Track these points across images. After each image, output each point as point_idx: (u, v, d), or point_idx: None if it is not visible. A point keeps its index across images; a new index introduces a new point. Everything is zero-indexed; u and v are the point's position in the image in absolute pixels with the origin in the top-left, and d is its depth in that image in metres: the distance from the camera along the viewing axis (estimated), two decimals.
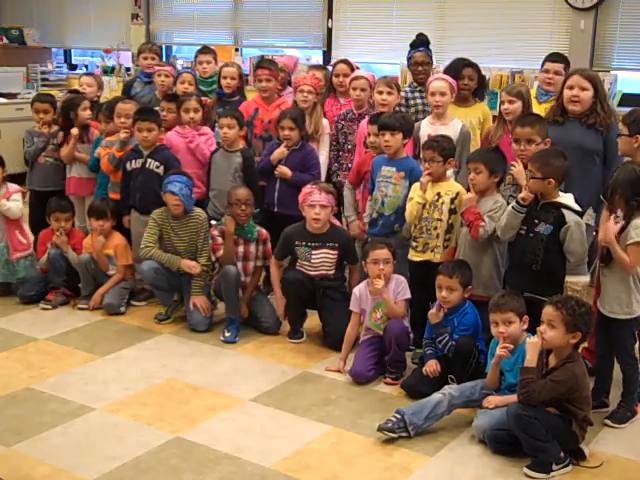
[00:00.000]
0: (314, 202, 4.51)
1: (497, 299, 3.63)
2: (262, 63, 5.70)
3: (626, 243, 3.56)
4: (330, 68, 6.14)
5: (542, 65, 5.23)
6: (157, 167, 5.04)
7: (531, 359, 3.37)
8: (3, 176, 5.25)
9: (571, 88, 4.34)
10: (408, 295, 4.19)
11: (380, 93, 5.04)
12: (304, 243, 4.58)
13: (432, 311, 3.98)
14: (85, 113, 5.53)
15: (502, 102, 4.63)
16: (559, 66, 5.14)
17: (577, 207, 3.81)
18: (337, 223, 4.86)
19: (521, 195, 3.80)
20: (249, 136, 5.32)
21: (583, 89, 4.31)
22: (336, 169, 5.44)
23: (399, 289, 4.19)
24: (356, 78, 5.31)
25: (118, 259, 5.14)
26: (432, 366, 3.93)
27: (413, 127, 4.67)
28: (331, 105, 5.65)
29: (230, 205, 4.75)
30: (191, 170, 5.09)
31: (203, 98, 5.54)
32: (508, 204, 3.97)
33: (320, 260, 4.57)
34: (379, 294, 4.12)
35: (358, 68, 5.74)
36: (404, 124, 4.52)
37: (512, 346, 3.55)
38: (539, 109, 4.89)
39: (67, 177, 5.61)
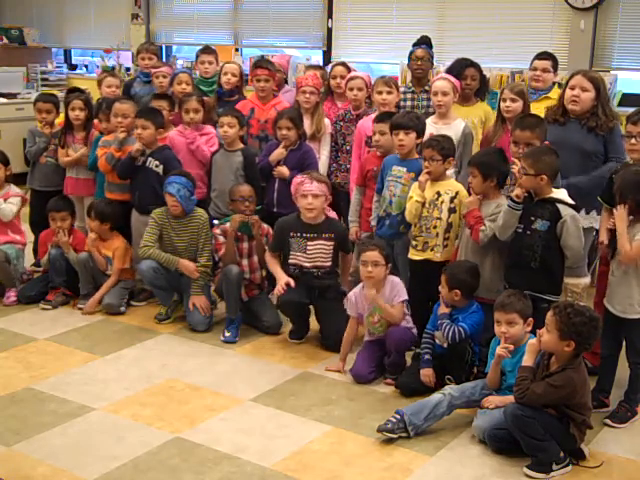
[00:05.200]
0: (306, 191, 4.49)
1: (503, 298, 3.62)
2: (261, 63, 5.71)
3: (635, 238, 3.56)
4: (328, 68, 6.15)
5: (530, 64, 5.27)
6: (157, 166, 5.04)
7: (528, 359, 3.38)
8: (7, 174, 5.26)
9: (572, 88, 4.34)
10: (404, 297, 4.14)
11: (379, 93, 5.04)
12: (299, 234, 4.55)
13: (441, 307, 3.96)
14: (72, 113, 5.52)
15: (504, 99, 4.62)
16: (546, 63, 5.20)
17: (571, 201, 3.81)
18: (333, 215, 4.79)
19: (514, 192, 3.79)
20: (245, 136, 5.32)
21: (584, 90, 4.31)
22: (334, 169, 5.45)
23: (394, 292, 4.14)
24: (352, 78, 5.32)
25: (115, 261, 5.12)
26: (428, 377, 3.93)
27: (425, 127, 4.65)
28: (328, 108, 5.65)
29: (233, 202, 4.76)
30: (192, 171, 5.08)
31: (205, 98, 5.55)
32: None
33: (316, 251, 4.55)
34: (373, 303, 4.10)
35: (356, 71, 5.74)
36: (418, 124, 4.51)
37: (512, 347, 3.54)
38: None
39: (65, 177, 5.61)
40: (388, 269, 4.15)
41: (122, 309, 5.04)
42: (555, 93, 5.16)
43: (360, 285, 4.25)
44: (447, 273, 3.94)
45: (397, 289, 4.15)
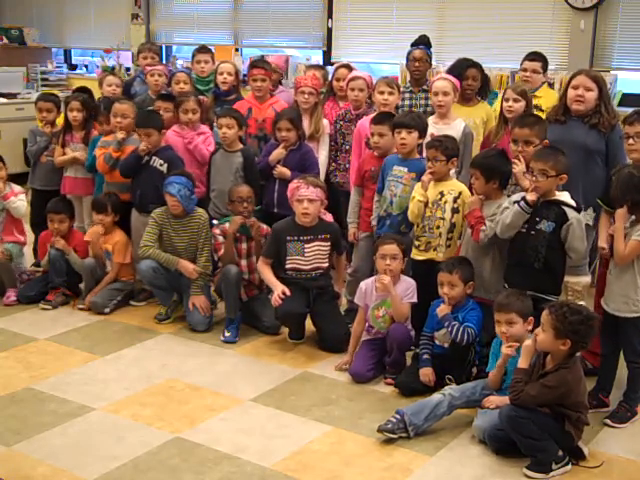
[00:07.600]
0: (301, 197, 4.48)
1: (502, 298, 3.63)
2: (257, 63, 5.71)
3: (632, 237, 3.57)
4: (330, 68, 6.13)
5: (521, 64, 5.29)
6: (161, 165, 5.05)
7: (523, 361, 3.39)
8: (5, 174, 5.27)
9: (576, 88, 4.34)
10: (414, 300, 4.16)
11: (381, 93, 5.03)
12: (296, 238, 4.55)
13: (441, 307, 3.96)
14: (71, 115, 5.51)
15: (506, 99, 4.63)
16: (536, 64, 5.26)
17: (574, 203, 3.81)
18: (329, 219, 4.72)
19: (530, 198, 3.76)
20: (243, 136, 5.32)
21: (588, 89, 4.30)
22: (333, 169, 5.45)
23: (407, 292, 4.16)
24: (354, 79, 5.32)
25: (115, 256, 5.12)
26: (428, 376, 3.93)
27: (427, 126, 4.65)
28: (330, 108, 5.66)
29: (232, 203, 4.76)
30: (190, 170, 5.08)
31: (201, 97, 5.55)
32: None
33: (314, 253, 4.55)
34: (385, 290, 4.10)
35: None
36: (420, 123, 4.51)
37: (517, 344, 3.53)
38: None
39: (63, 176, 5.61)
40: (404, 263, 4.18)
41: (106, 310, 4.99)
42: (543, 91, 5.22)
43: (373, 277, 4.25)
44: (461, 269, 3.92)
45: (410, 290, 4.17)
